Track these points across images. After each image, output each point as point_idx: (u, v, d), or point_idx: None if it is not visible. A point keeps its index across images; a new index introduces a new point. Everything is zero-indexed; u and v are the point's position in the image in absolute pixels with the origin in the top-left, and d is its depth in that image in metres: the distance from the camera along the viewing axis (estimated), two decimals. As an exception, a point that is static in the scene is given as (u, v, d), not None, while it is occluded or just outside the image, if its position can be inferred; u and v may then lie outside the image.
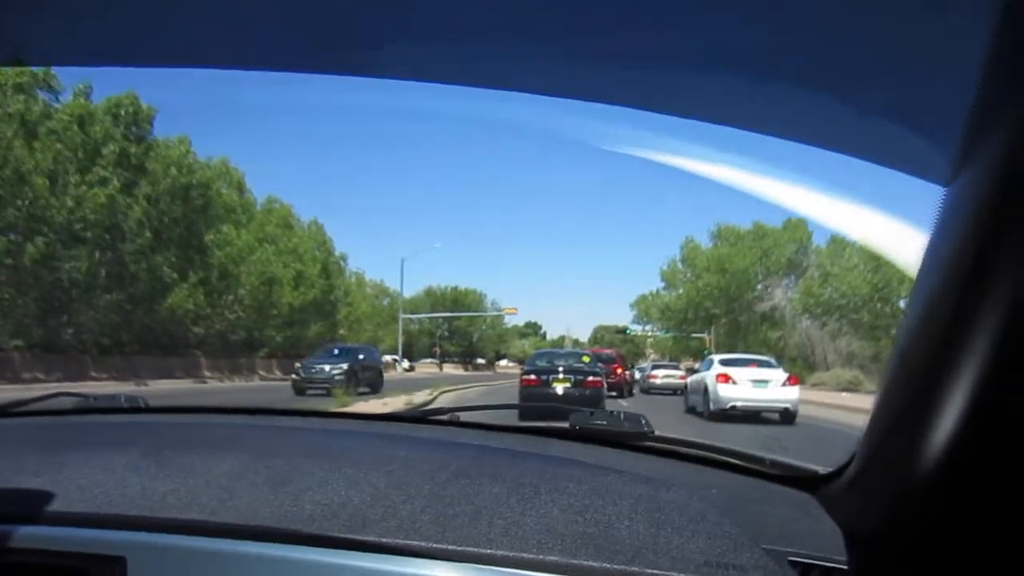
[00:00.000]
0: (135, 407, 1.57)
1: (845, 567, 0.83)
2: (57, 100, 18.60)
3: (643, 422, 1.30)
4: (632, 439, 1.28)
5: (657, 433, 1.29)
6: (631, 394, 20.65)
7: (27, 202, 17.09)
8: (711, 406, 13.40)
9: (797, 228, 38.84)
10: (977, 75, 0.55)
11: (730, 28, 0.81)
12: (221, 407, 1.66)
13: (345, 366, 18.59)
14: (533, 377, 12.98)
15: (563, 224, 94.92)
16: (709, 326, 40.99)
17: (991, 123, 0.54)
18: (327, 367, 18.39)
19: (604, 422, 1.32)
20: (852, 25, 0.77)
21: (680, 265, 44.64)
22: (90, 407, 1.57)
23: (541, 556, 0.80)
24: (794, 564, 0.85)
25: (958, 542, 0.66)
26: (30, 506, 0.89)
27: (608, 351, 23.67)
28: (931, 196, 0.63)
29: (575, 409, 1.38)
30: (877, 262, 27.43)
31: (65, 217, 18.15)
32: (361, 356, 20.71)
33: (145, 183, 21.29)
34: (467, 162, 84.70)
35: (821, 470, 1.07)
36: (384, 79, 0.95)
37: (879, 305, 31.47)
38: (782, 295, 38.90)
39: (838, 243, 34.84)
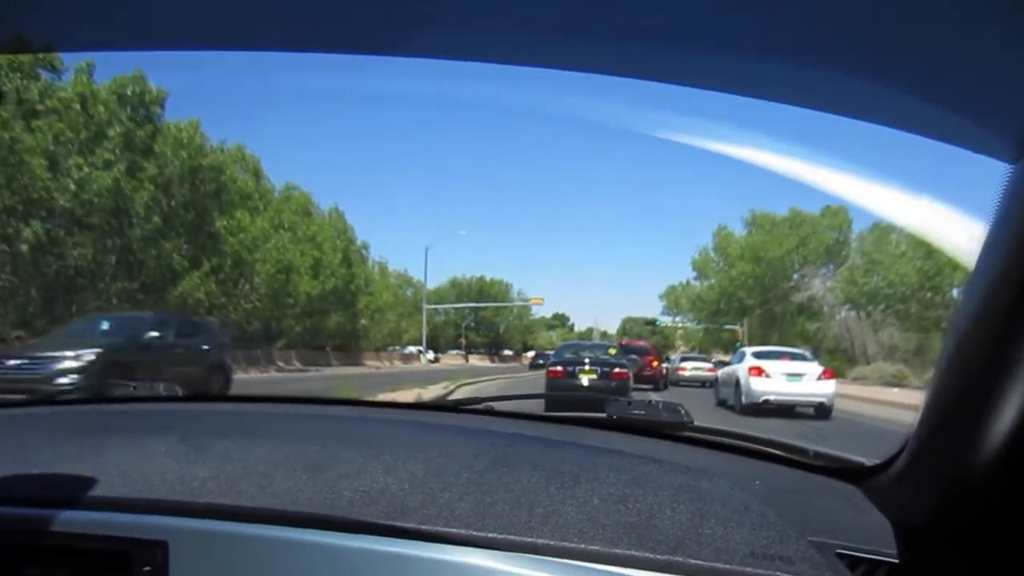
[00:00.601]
0: (171, 395, 1.60)
1: (895, 560, 0.82)
2: (59, 79, 18.03)
3: (682, 412, 1.30)
4: (671, 429, 1.29)
5: (696, 423, 1.29)
6: (665, 387, 20.30)
7: (24, 184, 16.49)
8: (743, 399, 13.12)
9: (836, 215, 37.34)
10: None
11: (774, 6, 0.79)
12: (254, 395, 1.70)
13: (91, 355, 10.12)
14: (559, 369, 13.08)
15: (591, 213, 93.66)
16: (742, 317, 39.79)
17: None
18: (54, 361, 9.98)
19: (642, 412, 1.33)
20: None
21: (712, 254, 43.45)
22: (127, 396, 1.62)
23: (583, 545, 0.79)
24: (841, 556, 0.83)
25: (1014, 535, 0.66)
26: (72, 491, 0.90)
27: (642, 343, 23.56)
28: (989, 178, 0.62)
29: (604, 399, 1.39)
30: (928, 249, 26.02)
31: (67, 201, 17.51)
32: (155, 332, 11.87)
33: (153, 166, 20.66)
34: (494, 150, 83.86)
35: (867, 462, 1.07)
36: (412, 60, 0.94)
37: (929, 294, 29.75)
38: (820, 285, 37.53)
39: (883, 230, 33.16)
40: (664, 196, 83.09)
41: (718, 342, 42.27)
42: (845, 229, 37.52)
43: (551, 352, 42.43)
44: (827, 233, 37.90)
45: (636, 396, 12.97)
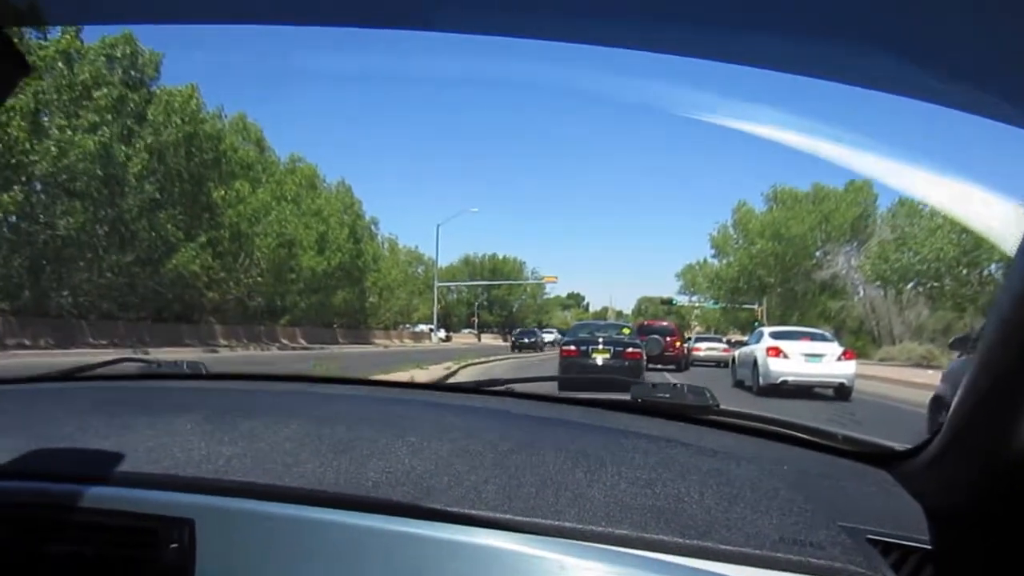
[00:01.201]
0: (196, 373, 1.61)
1: (928, 546, 0.82)
2: (45, 39, 17.13)
3: (708, 395, 1.31)
4: (697, 412, 1.28)
5: (722, 407, 1.29)
6: (687, 367, 20.24)
7: (2, 148, 15.55)
8: (760, 380, 12.91)
9: (861, 190, 36.10)
10: None
11: None
12: (279, 374, 1.71)
13: None
14: (573, 348, 13.13)
15: (608, 192, 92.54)
16: (761, 296, 38.86)
17: None
18: None
19: (667, 395, 1.33)
20: None
21: (732, 231, 42.37)
22: (152, 372, 1.64)
23: (611, 529, 0.79)
24: (873, 542, 0.83)
25: None
26: (99, 467, 0.91)
27: (665, 323, 23.32)
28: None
29: (622, 380, 1.48)
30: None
31: (49, 165, 16.66)
32: None
33: (147, 133, 19.91)
34: (510, 128, 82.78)
35: (898, 447, 1.07)
36: (432, 35, 0.91)
37: (965, 271, 28.09)
38: (844, 262, 36.39)
39: (914, 203, 31.79)
40: (684, 174, 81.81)
41: (735, 322, 41.48)
42: (870, 204, 36.30)
43: (534, 329, 42.70)
44: (851, 209, 36.67)
45: (658, 377, 13.69)
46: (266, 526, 0.83)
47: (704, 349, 24.83)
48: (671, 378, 14.68)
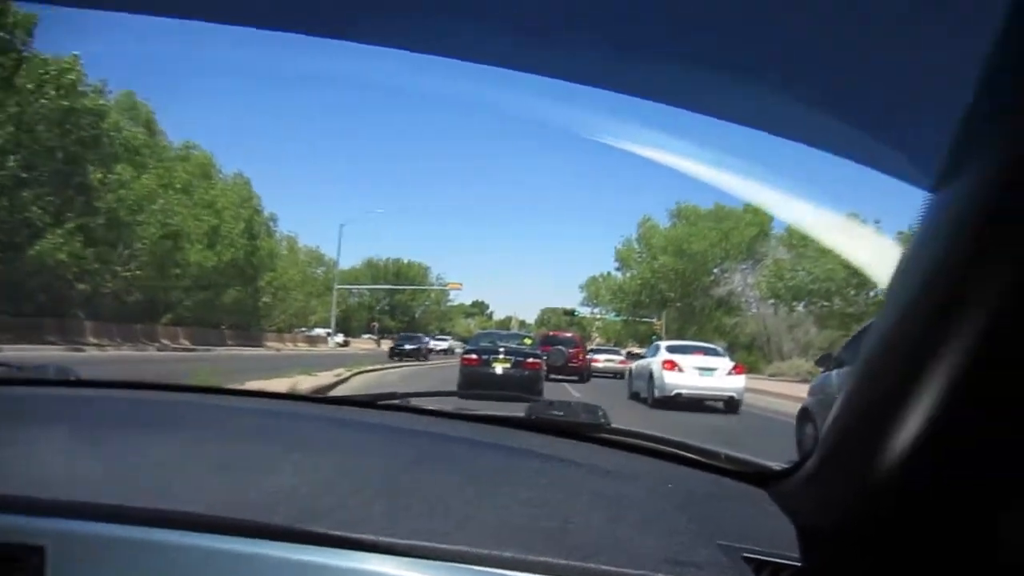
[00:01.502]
0: (63, 379, 1.53)
1: (799, 563, 0.84)
2: None
3: (600, 413, 1.33)
4: (589, 430, 1.30)
5: (613, 425, 1.31)
6: (588, 379, 20.40)
7: None
8: (655, 392, 13.33)
9: (758, 211, 37.60)
10: (974, 84, 0.56)
11: (703, 18, 0.84)
12: (160, 383, 1.62)
13: None
14: (474, 357, 13.33)
15: (516, 202, 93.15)
16: (662, 310, 39.90)
17: (984, 135, 0.56)
18: None
19: (561, 412, 1.34)
20: (839, 25, 0.79)
21: (636, 245, 43.41)
22: (12, 377, 1.51)
23: (496, 552, 0.78)
24: (748, 560, 0.86)
25: (920, 541, 0.69)
26: None
27: (570, 335, 23.66)
28: (904, 201, 0.68)
29: (526, 397, 1.52)
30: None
31: None
32: None
33: (12, 102, 18.06)
34: (418, 133, 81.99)
35: (776, 466, 1.09)
36: (339, 42, 0.99)
37: (853, 292, 30.01)
38: (740, 280, 37.90)
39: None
40: (590, 187, 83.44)
41: (635, 334, 42.31)
42: (767, 224, 37.86)
43: (419, 335, 38.77)
44: (750, 228, 38.22)
45: (559, 389, 14.66)
46: (130, 554, 0.77)
47: (602, 361, 25.33)
48: (572, 389, 15.42)
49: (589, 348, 26.81)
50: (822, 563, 0.82)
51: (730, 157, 1.05)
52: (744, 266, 38.49)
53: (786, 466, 1.03)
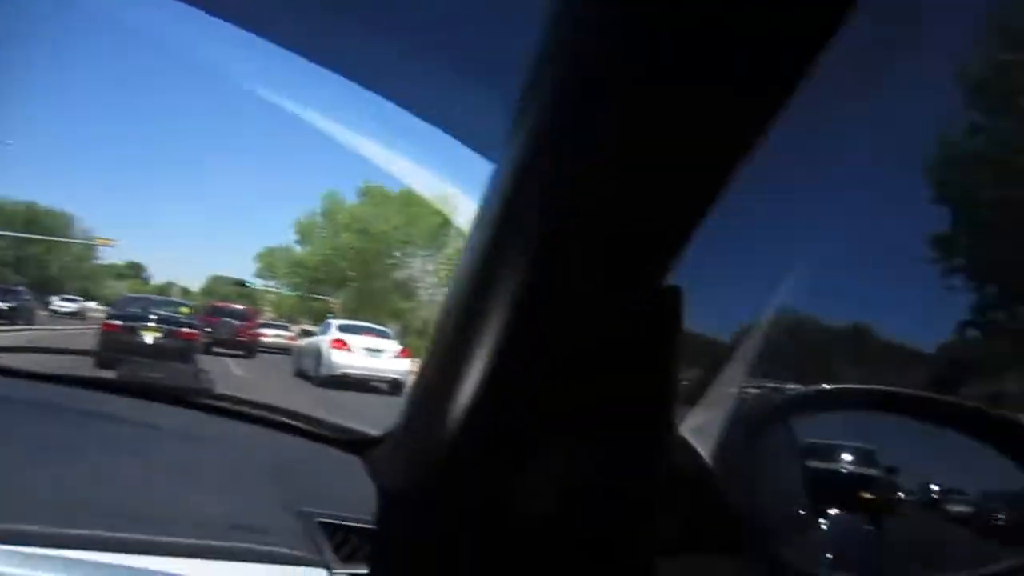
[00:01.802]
0: None
1: (372, 525, 0.88)
2: None
3: (202, 377, 1.44)
4: (186, 395, 1.31)
5: (218, 391, 1.35)
6: (255, 355, 19.36)
7: None
8: (322, 371, 13.20)
9: (446, 199, 39.06)
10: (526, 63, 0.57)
11: None
12: None
13: None
14: (118, 323, 12.17)
15: (185, 158, 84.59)
16: (341, 289, 39.32)
17: (532, 103, 0.57)
18: None
19: (160, 375, 1.39)
20: None
21: (320, 219, 42.19)
22: None
23: (47, 529, 0.74)
24: (325, 525, 0.90)
25: (472, 498, 0.77)
26: None
27: (241, 308, 22.47)
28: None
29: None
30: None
31: None
32: None
33: None
34: (73, 62, 69.99)
35: (373, 433, 1.14)
36: None
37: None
38: (420, 266, 38.95)
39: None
40: (271, 152, 79.24)
41: (310, 311, 41.13)
42: (451, 214, 39.55)
43: (7, 287, 31.48)
44: (434, 216, 39.54)
45: (220, 364, 13.47)
46: None
47: (271, 336, 24.40)
48: (235, 365, 15.03)
49: (261, 323, 25.47)
50: (393, 524, 0.86)
51: (401, 139, 1.05)
52: (426, 253, 39.72)
53: (380, 434, 1.09)
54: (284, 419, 1.26)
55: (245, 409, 1.28)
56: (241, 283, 44.77)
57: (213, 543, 0.78)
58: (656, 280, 0.64)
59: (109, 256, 62.09)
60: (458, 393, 0.68)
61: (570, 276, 0.61)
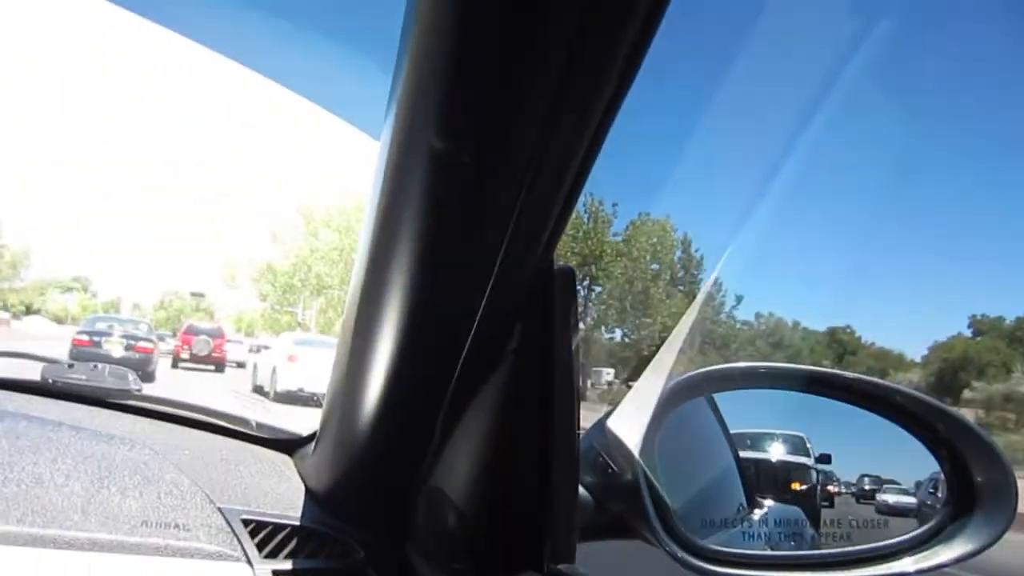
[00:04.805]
0: None
1: (295, 523, 1.01)
2: None
3: (130, 379, 1.44)
4: (115, 397, 1.39)
5: (145, 392, 1.43)
6: (224, 369, 23.08)
7: None
8: (277, 387, 14.34)
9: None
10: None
11: None
12: None
13: None
14: (86, 338, 16.54)
15: (135, 160, 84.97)
16: (319, 296, 38.99)
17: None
18: None
19: (83, 377, 1.42)
20: None
21: (299, 217, 41.80)
22: None
23: None
24: (248, 522, 1.00)
25: (389, 500, 0.90)
26: None
27: (214, 325, 26.39)
28: None
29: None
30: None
31: None
32: None
33: None
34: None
35: (304, 433, 1.26)
36: None
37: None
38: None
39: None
40: (244, 151, 79.56)
41: (276, 324, 40.89)
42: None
43: None
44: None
45: (195, 378, 17.42)
46: None
47: (231, 351, 26.04)
48: (209, 378, 18.76)
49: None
50: (316, 521, 1.00)
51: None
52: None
53: (307, 434, 1.20)
54: (211, 420, 1.37)
55: (171, 410, 1.38)
56: (200, 295, 44.83)
57: (122, 538, 0.88)
58: (548, 259, 0.74)
59: (55, 271, 62.62)
60: (363, 389, 0.78)
61: (463, 260, 0.69)
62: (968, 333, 19.36)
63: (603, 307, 22.29)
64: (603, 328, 22.26)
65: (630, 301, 21.02)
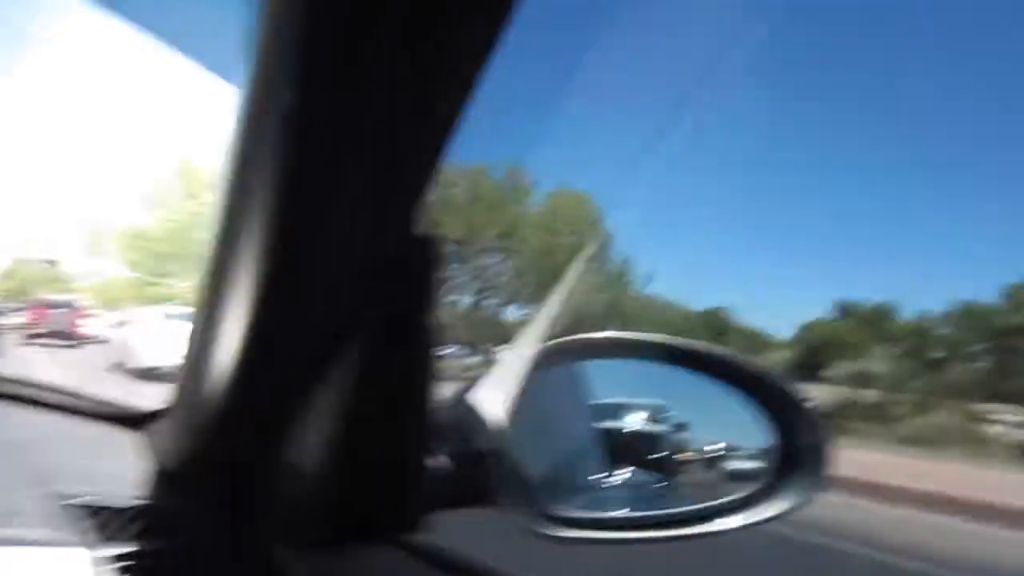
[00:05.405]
0: None
1: (142, 504, 0.98)
2: None
3: None
4: None
5: None
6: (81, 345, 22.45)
7: None
8: (138, 363, 14.14)
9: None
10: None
11: None
12: None
13: None
14: None
15: None
16: (199, 266, 37.41)
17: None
18: None
19: None
20: None
21: (176, 179, 39.81)
22: None
23: None
24: (87, 506, 0.97)
25: (236, 478, 0.89)
26: None
27: (71, 298, 25.88)
28: None
29: None
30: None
31: None
32: None
33: None
34: None
35: (151, 409, 1.23)
36: None
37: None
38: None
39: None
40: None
41: (147, 296, 39.13)
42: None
43: None
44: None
45: (47, 354, 16.52)
46: None
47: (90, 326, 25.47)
48: (64, 355, 17.95)
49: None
50: (163, 500, 0.97)
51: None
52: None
53: (157, 409, 1.17)
54: (55, 399, 1.33)
55: (10, 390, 1.35)
56: (53, 262, 42.34)
57: None
58: (412, 227, 0.72)
59: None
60: (212, 362, 0.77)
61: (316, 227, 0.67)
62: (831, 317, 20.87)
63: (518, 280, 22.51)
64: (516, 304, 22.57)
65: (548, 274, 21.12)
